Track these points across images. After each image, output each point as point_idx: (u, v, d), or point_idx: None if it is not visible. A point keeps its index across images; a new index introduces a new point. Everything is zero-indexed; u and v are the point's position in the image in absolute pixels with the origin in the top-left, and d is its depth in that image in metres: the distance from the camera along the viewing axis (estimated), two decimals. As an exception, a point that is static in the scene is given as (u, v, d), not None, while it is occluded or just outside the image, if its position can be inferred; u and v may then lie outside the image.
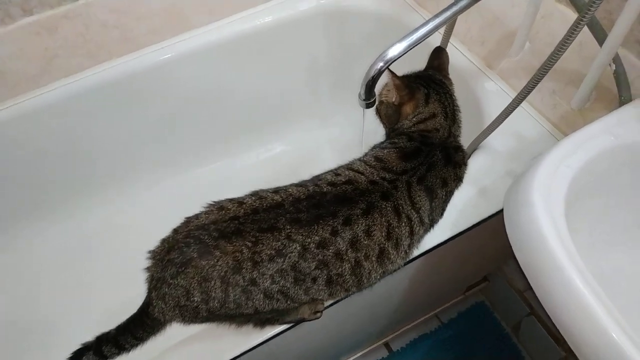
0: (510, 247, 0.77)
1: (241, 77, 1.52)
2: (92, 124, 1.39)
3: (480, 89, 1.27)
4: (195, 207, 0.78)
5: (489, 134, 1.06)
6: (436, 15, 0.82)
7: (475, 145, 1.11)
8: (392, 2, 1.45)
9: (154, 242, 0.79)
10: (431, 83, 0.96)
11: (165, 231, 0.78)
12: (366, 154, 0.92)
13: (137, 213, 1.54)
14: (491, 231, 1.10)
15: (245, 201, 0.78)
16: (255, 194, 0.81)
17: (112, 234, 1.50)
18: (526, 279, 0.75)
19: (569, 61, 1.08)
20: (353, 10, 1.47)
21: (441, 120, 0.93)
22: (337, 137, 1.71)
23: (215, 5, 1.39)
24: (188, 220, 0.78)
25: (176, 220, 0.79)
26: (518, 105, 0.98)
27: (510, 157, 1.14)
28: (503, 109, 0.99)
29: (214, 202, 0.80)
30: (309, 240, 0.74)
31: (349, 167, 0.87)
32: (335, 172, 0.86)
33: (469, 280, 1.55)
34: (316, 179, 0.85)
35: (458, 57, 1.34)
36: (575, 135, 0.87)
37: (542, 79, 0.91)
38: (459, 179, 0.92)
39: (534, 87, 0.94)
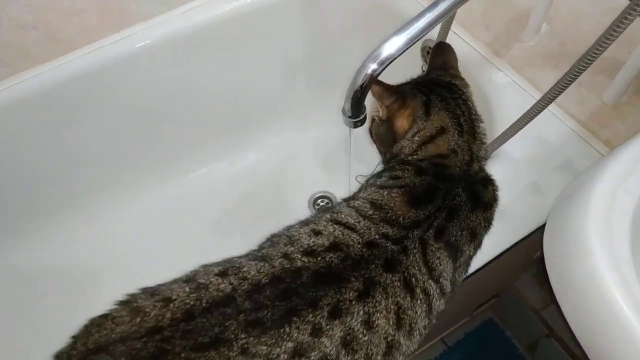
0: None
1: (203, 77, 1.29)
2: (24, 142, 1.15)
3: (488, 83, 1.07)
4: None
5: (506, 140, 0.86)
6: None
7: (487, 155, 0.90)
8: (377, -19, 1.23)
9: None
10: (435, 87, 0.75)
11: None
12: (358, 194, 0.71)
13: (80, 246, 1.31)
14: (509, 256, 0.90)
15: (173, 296, 0.54)
16: (192, 280, 0.57)
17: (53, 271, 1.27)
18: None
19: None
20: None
21: (455, 137, 0.72)
22: (321, 140, 1.49)
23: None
24: (88, 329, 0.54)
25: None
26: (546, 107, 0.77)
27: (530, 167, 0.94)
28: (519, 106, 0.82)
29: (127, 297, 0.56)
30: (278, 351, 0.50)
31: (333, 218, 0.65)
32: (313, 228, 0.63)
33: (478, 302, 1.36)
34: (285, 244, 0.62)
35: (459, 45, 1.11)
36: (626, 149, 0.67)
37: (580, 74, 0.71)
38: (489, 224, 0.71)
39: (569, 85, 0.73)
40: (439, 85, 0.76)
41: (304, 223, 0.66)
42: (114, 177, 1.34)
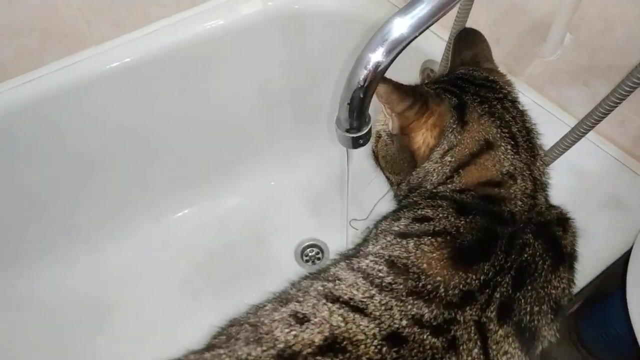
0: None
1: (166, 111, 1.11)
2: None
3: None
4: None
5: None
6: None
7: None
8: (364, -1, 1.08)
9: None
10: (468, 86, 0.57)
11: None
12: (363, 247, 0.51)
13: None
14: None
15: None
16: None
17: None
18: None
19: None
20: (312, 12, 1.09)
21: (509, 155, 0.52)
22: (307, 181, 1.31)
23: (120, 13, 0.98)
24: None
25: None
26: (583, 136, 0.63)
27: (568, 206, 0.75)
28: (545, 132, 0.65)
29: None
30: None
31: (328, 292, 0.45)
32: (295, 311, 0.43)
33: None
34: (247, 341, 0.42)
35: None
36: None
37: (630, 93, 0.57)
38: (571, 287, 0.50)
39: (613, 109, 0.60)
40: (474, 83, 0.57)
41: (281, 300, 0.46)
42: (64, 234, 1.14)
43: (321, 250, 1.21)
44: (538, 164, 0.54)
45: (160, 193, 1.21)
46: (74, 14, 0.94)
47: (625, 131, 0.80)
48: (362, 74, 0.37)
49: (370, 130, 0.45)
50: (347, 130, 0.43)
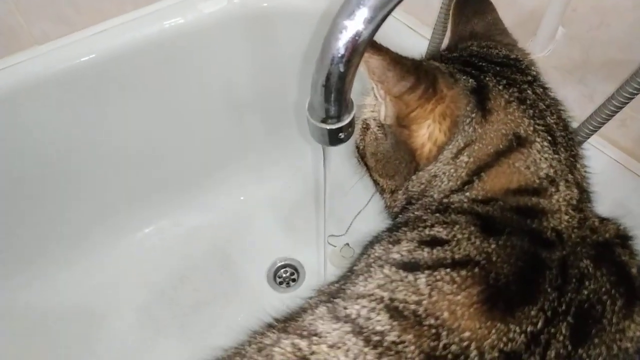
0: None
1: (123, 121, 1.00)
2: None
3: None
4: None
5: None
6: None
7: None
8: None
9: None
10: (485, 64, 0.46)
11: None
12: (351, 282, 0.38)
13: None
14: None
15: None
16: None
17: None
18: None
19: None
20: (281, 11, 1.01)
21: (546, 153, 0.42)
22: (279, 195, 1.21)
23: (68, 9, 0.88)
24: None
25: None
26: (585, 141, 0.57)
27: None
28: None
29: None
30: None
31: (298, 357, 0.33)
32: None
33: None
34: None
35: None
36: None
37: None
38: None
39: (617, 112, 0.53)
40: (494, 62, 0.46)
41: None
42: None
43: (296, 270, 1.11)
44: (579, 166, 0.44)
45: (115, 212, 1.08)
46: (11, 10, 0.83)
47: (627, 131, 0.73)
48: (341, 40, 0.28)
49: (353, 120, 0.35)
50: (323, 120, 0.33)
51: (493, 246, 0.35)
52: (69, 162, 0.98)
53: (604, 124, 0.59)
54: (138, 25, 0.93)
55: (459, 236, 0.36)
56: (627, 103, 0.57)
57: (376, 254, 0.38)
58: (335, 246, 1.13)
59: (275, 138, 1.19)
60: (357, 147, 0.50)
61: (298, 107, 1.10)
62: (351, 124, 0.35)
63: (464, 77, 0.43)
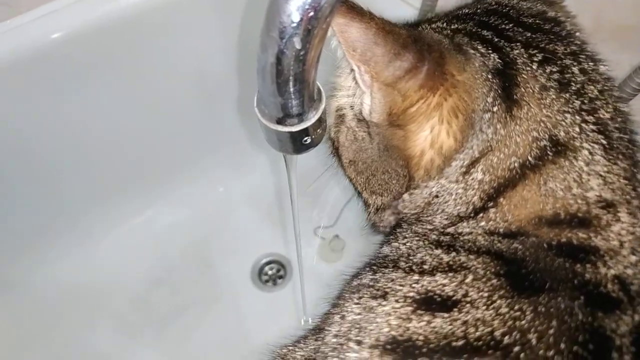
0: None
1: (83, 111, 0.90)
2: None
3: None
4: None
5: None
6: None
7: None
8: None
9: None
10: (512, 27, 0.34)
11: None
12: (320, 349, 0.29)
13: None
14: None
15: None
16: None
17: None
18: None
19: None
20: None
21: (598, 165, 0.30)
22: (260, 186, 1.12)
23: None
24: None
25: None
26: None
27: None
28: None
29: None
30: None
31: None
32: None
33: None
34: None
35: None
36: None
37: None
38: None
39: None
40: (524, 24, 0.34)
41: None
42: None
43: (282, 266, 1.03)
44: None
45: (80, 211, 0.99)
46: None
47: None
48: (295, 3, 0.19)
49: (323, 117, 0.26)
50: (280, 121, 0.24)
51: (529, 316, 0.24)
52: (24, 157, 0.88)
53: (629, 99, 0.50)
54: (91, 4, 0.82)
55: (473, 294, 0.25)
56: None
57: (353, 316, 0.28)
58: (324, 238, 1.05)
59: (254, 125, 1.09)
60: (331, 140, 0.39)
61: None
62: (320, 123, 0.26)
63: (482, 51, 0.31)
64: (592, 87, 0.32)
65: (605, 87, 0.33)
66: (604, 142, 0.31)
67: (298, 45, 0.20)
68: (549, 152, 0.30)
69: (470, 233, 0.30)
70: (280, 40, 0.20)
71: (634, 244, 0.29)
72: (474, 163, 0.31)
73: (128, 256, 1.01)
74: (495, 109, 0.30)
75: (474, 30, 0.33)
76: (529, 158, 0.30)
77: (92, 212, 1.01)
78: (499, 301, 0.25)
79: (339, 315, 0.29)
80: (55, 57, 0.81)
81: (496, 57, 0.31)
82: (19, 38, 0.79)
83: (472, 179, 0.31)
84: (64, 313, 0.95)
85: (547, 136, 0.30)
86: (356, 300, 0.29)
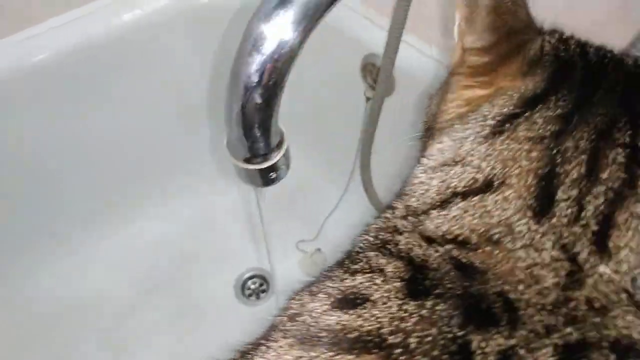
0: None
1: (72, 127, 0.92)
2: None
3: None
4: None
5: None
6: None
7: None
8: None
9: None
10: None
11: None
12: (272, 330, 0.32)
13: None
14: None
15: None
16: None
17: None
18: None
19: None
20: (232, 7, 0.92)
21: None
22: (243, 199, 1.13)
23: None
24: None
25: None
26: None
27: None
28: None
29: None
30: None
31: None
32: None
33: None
34: None
35: (412, 57, 0.83)
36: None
37: None
38: None
39: None
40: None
41: None
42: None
43: (265, 280, 1.05)
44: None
45: (57, 226, 1.00)
46: None
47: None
48: (256, 61, 0.21)
49: (287, 154, 0.29)
50: (248, 160, 0.27)
51: (414, 319, 0.26)
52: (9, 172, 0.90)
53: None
54: (71, 29, 0.85)
55: (377, 295, 0.27)
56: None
57: (294, 308, 0.30)
58: (306, 251, 1.07)
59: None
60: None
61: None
62: (285, 160, 0.28)
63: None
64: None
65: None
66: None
67: (258, 100, 0.22)
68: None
69: (405, 227, 0.31)
70: (244, 96, 0.22)
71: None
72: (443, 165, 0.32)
73: (108, 272, 1.02)
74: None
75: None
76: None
77: (75, 226, 1.02)
78: (392, 302, 0.27)
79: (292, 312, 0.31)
80: (36, 79, 0.84)
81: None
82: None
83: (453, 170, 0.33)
84: (47, 328, 0.96)
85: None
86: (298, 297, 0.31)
